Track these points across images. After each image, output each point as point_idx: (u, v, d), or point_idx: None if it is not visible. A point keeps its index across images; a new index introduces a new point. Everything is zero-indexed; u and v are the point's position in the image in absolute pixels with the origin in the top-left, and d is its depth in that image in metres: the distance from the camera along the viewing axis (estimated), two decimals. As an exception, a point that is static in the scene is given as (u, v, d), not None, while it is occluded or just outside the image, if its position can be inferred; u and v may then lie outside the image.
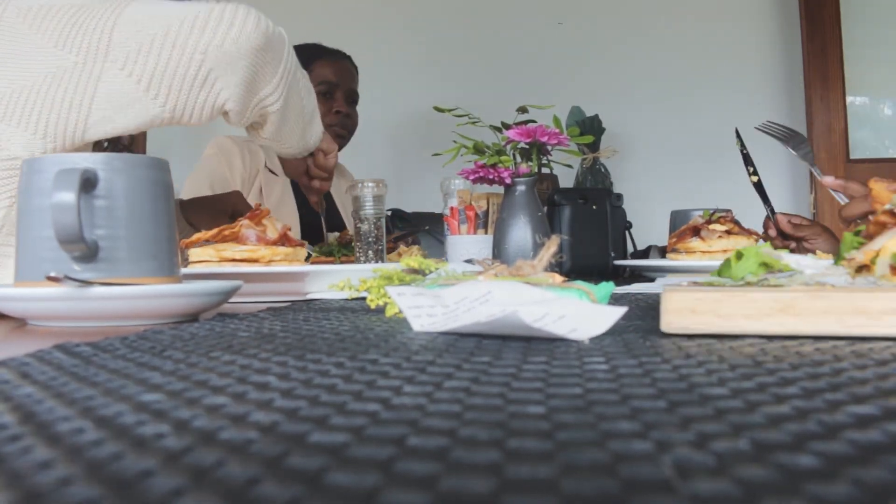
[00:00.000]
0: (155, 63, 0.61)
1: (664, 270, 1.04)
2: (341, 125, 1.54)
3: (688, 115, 2.22)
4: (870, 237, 0.43)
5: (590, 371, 0.26)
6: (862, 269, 0.41)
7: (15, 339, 0.45)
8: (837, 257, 0.45)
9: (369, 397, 0.22)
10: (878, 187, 0.44)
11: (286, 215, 1.45)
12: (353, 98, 1.57)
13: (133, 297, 0.48)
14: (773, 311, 0.35)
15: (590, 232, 1.19)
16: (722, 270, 0.44)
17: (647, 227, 1.65)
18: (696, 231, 1.06)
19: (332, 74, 1.53)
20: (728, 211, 1.10)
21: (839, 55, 2.11)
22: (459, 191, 1.08)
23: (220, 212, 1.11)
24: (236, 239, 0.78)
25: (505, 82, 2.23)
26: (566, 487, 0.13)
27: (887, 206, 0.43)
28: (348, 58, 1.59)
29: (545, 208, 1.02)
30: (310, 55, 1.52)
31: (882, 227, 0.43)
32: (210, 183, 1.41)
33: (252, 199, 1.44)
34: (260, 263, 0.75)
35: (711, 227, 1.04)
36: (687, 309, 0.37)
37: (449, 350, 0.32)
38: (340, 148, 1.55)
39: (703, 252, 1.03)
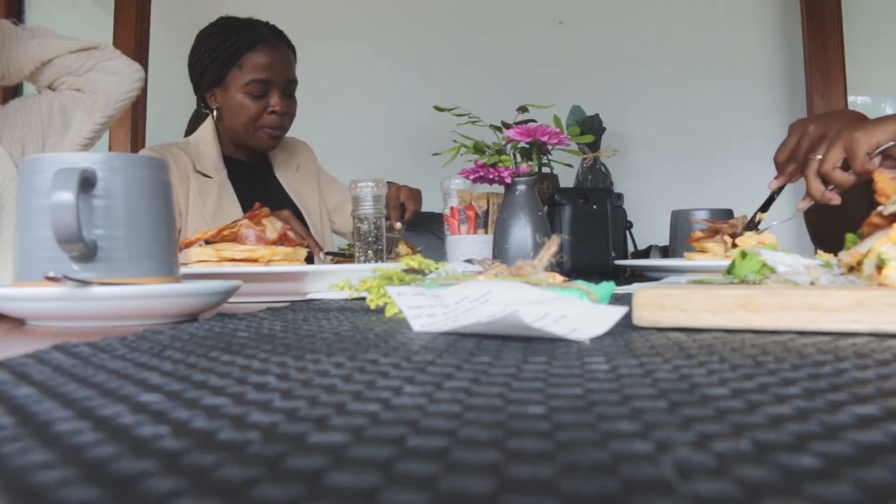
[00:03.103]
0: None
1: (664, 270, 1.04)
2: (279, 127, 1.42)
3: (688, 115, 2.22)
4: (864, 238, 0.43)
5: (590, 371, 0.26)
6: (853, 269, 0.41)
7: (14, 339, 0.45)
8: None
9: (369, 397, 0.22)
10: (883, 178, 0.45)
11: (230, 218, 1.31)
12: (287, 88, 1.42)
13: (132, 297, 0.48)
14: (733, 306, 0.38)
15: (590, 232, 1.19)
16: (729, 269, 0.45)
17: (648, 227, 1.65)
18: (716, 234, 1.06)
19: (263, 70, 1.37)
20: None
21: (840, 55, 2.11)
22: (459, 190, 1.08)
23: None
24: (236, 239, 0.78)
25: (505, 82, 2.23)
26: (566, 487, 0.13)
27: (879, 209, 0.44)
28: (283, 40, 1.43)
29: (545, 208, 1.02)
30: (239, 47, 1.38)
31: (875, 229, 0.43)
32: None
33: (191, 205, 1.36)
34: (259, 263, 0.75)
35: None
36: (656, 304, 0.39)
37: (449, 350, 0.32)
38: (280, 139, 1.46)
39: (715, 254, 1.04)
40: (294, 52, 1.47)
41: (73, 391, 0.23)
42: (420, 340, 0.36)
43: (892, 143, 0.93)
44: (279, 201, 1.48)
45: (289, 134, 1.54)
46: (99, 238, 0.49)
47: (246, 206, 1.38)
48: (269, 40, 1.40)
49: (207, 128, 1.44)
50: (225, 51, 1.39)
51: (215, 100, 1.43)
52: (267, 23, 1.45)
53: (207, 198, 1.37)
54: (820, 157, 0.99)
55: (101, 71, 1.18)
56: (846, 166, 0.96)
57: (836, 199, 1.00)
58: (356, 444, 0.17)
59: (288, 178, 1.53)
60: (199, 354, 0.32)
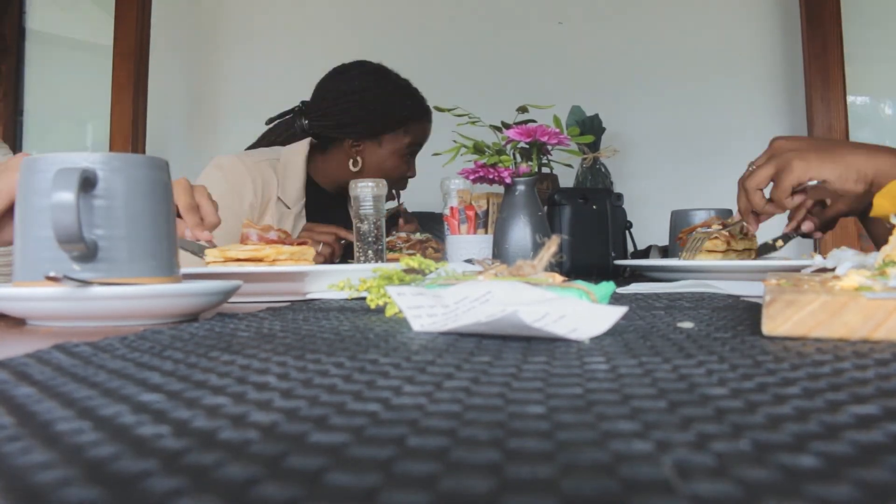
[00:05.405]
0: None
1: (664, 270, 1.04)
2: (401, 187, 1.48)
3: (688, 115, 2.22)
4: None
5: (590, 371, 0.26)
6: None
7: (14, 338, 0.45)
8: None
9: (369, 397, 0.22)
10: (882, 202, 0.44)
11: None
12: None
13: (132, 296, 0.48)
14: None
15: (590, 232, 1.19)
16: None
17: (647, 227, 1.65)
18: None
19: (422, 139, 1.45)
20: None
21: (840, 55, 2.11)
22: (459, 191, 1.08)
23: None
24: (240, 240, 0.78)
25: (505, 82, 2.23)
26: (566, 487, 0.13)
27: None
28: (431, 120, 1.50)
29: (545, 208, 1.02)
30: (412, 113, 1.41)
31: None
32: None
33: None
34: (265, 263, 0.75)
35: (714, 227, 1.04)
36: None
37: (449, 350, 0.32)
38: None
39: (710, 252, 1.02)
40: None
41: (74, 391, 0.23)
42: (420, 340, 0.36)
43: (814, 182, 0.82)
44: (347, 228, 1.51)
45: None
46: (99, 238, 0.49)
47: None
48: (430, 114, 1.44)
49: (300, 154, 1.40)
50: (397, 113, 1.40)
51: (359, 150, 1.41)
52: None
53: (283, 226, 1.35)
54: (752, 168, 0.89)
55: None
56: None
57: (752, 226, 0.91)
58: (356, 443, 0.17)
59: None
60: (200, 354, 0.32)
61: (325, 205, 1.46)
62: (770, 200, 0.87)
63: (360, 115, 1.38)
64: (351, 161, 1.41)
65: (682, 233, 1.09)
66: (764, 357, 0.29)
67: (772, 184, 0.87)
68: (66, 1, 2.40)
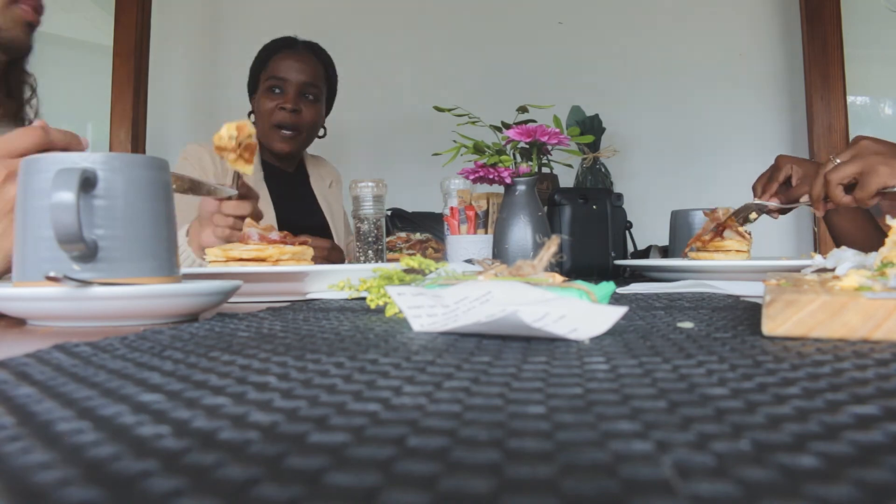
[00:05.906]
0: None
1: (664, 270, 1.04)
2: (290, 126, 1.50)
3: (688, 115, 2.22)
4: None
5: (590, 371, 0.26)
6: None
7: (14, 338, 0.45)
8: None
9: (369, 397, 0.22)
10: None
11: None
12: (306, 92, 1.51)
13: (132, 296, 0.48)
14: None
15: (590, 232, 1.19)
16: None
17: (647, 227, 1.65)
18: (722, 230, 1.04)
19: (281, 69, 1.49)
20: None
21: (840, 55, 2.11)
22: (459, 191, 1.08)
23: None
24: (241, 239, 0.78)
25: (505, 82, 2.23)
26: (566, 487, 0.13)
27: None
28: (313, 51, 1.54)
29: (545, 208, 1.02)
30: (268, 53, 1.52)
31: None
32: None
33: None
34: (268, 263, 0.75)
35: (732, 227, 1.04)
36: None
37: (449, 350, 0.32)
38: (304, 146, 1.55)
39: (738, 251, 1.02)
40: (326, 66, 1.57)
41: (74, 391, 0.23)
42: (420, 340, 0.36)
43: None
44: (311, 209, 1.58)
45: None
46: (99, 238, 0.49)
47: (280, 210, 1.49)
48: (295, 47, 1.53)
49: None
50: (259, 58, 1.54)
51: (253, 105, 1.57)
52: (308, 40, 1.58)
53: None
54: (838, 161, 0.95)
55: None
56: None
57: (819, 211, 0.98)
58: (356, 444, 0.17)
59: (322, 189, 1.64)
60: (200, 354, 0.32)
61: (287, 182, 1.57)
62: (847, 195, 0.94)
63: (248, 81, 1.58)
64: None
65: (705, 232, 1.07)
66: (764, 357, 0.29)
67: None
68: (66, 1, 2.40)
